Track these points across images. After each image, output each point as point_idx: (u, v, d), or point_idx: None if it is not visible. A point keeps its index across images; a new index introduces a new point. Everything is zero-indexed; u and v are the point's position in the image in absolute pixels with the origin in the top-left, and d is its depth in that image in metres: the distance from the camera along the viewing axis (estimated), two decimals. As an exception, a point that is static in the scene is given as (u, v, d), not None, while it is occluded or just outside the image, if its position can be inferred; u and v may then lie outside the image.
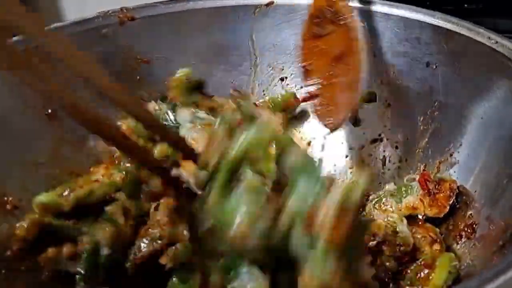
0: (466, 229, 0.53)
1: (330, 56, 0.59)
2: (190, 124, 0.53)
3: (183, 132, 0.52)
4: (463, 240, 0.53)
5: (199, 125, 0.53)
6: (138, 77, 0.66)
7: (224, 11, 0.68)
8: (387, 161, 0.66)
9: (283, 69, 0.70)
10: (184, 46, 0.67)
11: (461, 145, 0.58)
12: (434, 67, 0.61)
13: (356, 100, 0.57)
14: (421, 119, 0.62)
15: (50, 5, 1.12)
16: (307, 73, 0.62)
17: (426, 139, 0.62)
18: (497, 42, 0.55)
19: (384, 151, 0.66)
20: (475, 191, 0.55)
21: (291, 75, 0.69)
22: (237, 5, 0.69)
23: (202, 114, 0.55)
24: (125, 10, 0.65)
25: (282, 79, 0.70)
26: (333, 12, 0.58)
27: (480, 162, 0.55)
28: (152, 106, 0.56)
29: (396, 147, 0.65)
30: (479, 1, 0.79)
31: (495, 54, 0.55)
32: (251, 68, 0.69)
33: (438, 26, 0.60)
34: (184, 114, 0.54)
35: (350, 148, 0.68)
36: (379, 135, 0.66)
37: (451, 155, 0.59)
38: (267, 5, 0.68)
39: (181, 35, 0.67)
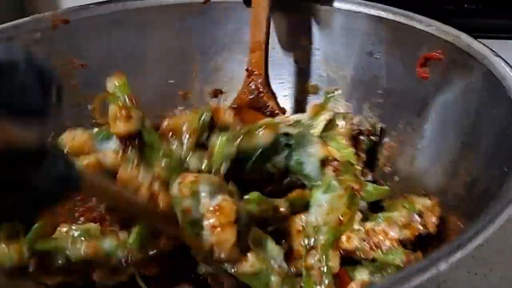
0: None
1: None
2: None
3: None
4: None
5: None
6: (73, 83, 0.64)
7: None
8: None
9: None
10: (120, 49, 0.66)
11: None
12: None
13: None
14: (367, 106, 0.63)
15: (49, 3, 1.11)
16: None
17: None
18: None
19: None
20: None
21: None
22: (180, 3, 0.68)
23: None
24: (59, 14, 0.64)
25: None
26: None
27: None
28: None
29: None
30: (479, 1, 0.80)
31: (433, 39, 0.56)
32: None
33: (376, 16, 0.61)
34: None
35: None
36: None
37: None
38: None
39: (117, 38, 0.66)
